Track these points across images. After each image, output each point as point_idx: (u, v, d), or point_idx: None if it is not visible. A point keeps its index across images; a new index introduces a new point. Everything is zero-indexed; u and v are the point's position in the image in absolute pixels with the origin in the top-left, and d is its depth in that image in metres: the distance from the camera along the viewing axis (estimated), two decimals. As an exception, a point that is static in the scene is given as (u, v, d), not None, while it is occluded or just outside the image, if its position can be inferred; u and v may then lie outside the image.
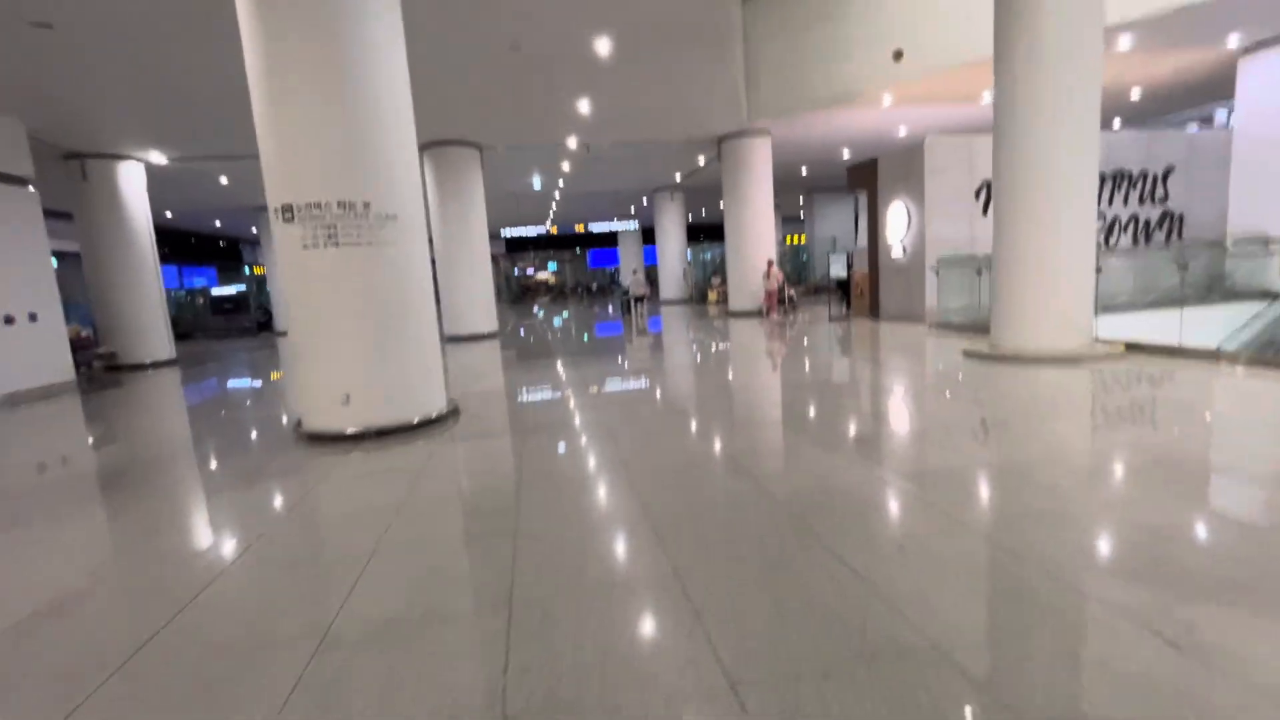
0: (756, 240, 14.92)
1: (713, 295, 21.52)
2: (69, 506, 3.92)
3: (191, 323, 21.42)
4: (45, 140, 10.82)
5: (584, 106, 11.58)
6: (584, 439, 4.66)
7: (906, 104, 12.42)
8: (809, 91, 11.65)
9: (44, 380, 9.73)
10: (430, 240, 7.38)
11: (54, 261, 10.51)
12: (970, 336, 8.68)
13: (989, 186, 10.30)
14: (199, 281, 25.66)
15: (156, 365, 12.74)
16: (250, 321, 21.33)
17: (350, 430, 4.98)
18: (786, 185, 22.33)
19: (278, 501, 3.71)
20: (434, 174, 13.46)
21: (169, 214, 20.69)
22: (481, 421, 5.46)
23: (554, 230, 26.72)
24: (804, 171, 21.37)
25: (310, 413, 5.13)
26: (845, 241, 26.04)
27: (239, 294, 21.29)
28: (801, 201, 28.47)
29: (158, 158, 12.73)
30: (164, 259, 24.65)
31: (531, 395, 6.71)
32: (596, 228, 27.49)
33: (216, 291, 21.46)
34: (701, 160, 17.62)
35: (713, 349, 9.96)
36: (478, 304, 13.98)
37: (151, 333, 12.79)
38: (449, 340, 13.72)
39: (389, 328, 5.07)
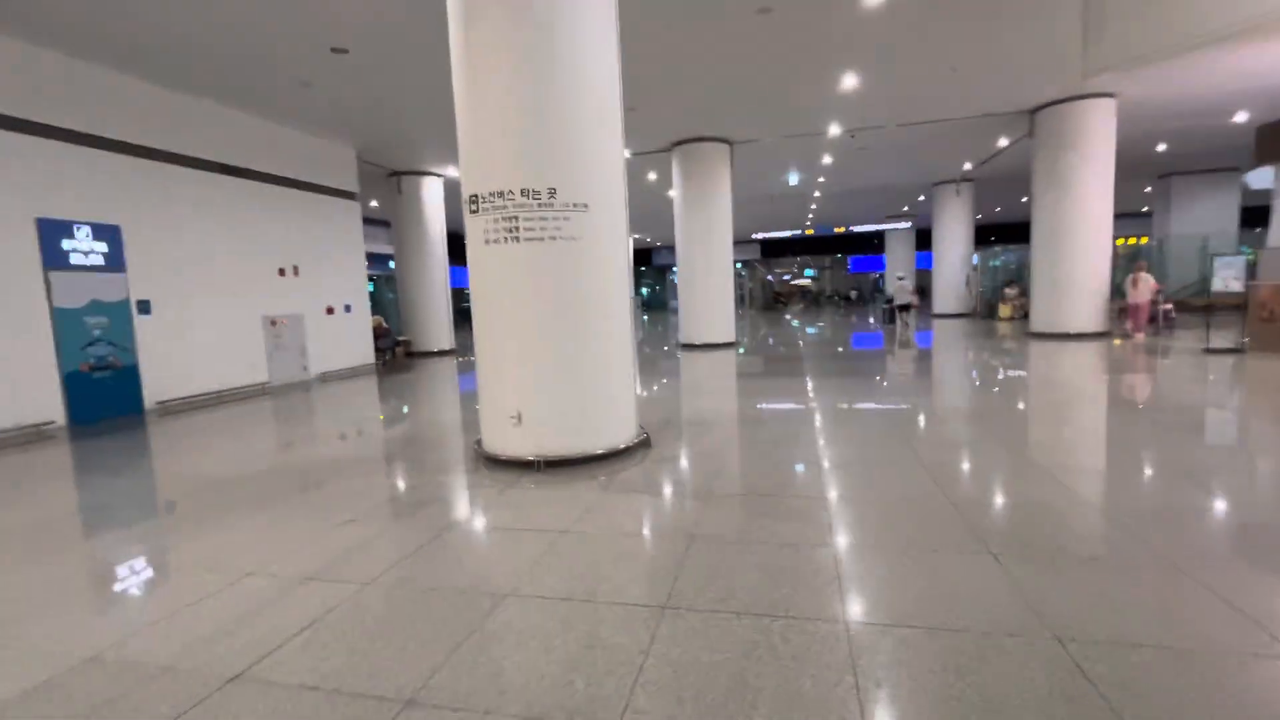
0: (1085, 240, 11.19)
1: (1006, 309, 17.36)
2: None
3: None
4: (370, 160, 12.94)
5: (849, 82, 9.72)
6: (794, 524, 3.15)
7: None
8: (1194, 21, 8.05)
9: (351, 363, 11.54)
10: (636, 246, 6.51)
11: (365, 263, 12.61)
12: None
13: None
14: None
15: (441, 353, 14.50)
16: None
17: (524, 456, 4.26)
18: (1125, 169, 16.46)
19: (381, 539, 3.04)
20: (680, 173, 12.88)
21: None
22: (668, 464, 4.30)
23: (809, 232, 24.61)
24: (1160, 148, 15.91)
25: (488, 431, 4.56)
26: (1221, 243, 18.96)
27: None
28: (1148, 191, 21.69)
29: (453, 172, 14.49)
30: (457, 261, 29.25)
31: (744, 433, 5.36)
32: (859, 229, 24.59)
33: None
34: (1003, 141, 14.09)
35: (1013, 396, 7.34)
36: (715, 310, 13.03)
37: (436, 325, 14.60)
38: (684, 348, 13.05)
39: (570, 338, 4.23)
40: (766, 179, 17.61)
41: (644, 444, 4.68)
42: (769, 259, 39.81)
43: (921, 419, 5.43)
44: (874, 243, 34.42)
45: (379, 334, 12.54)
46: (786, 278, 43.40)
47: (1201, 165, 19.10)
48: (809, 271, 43.22)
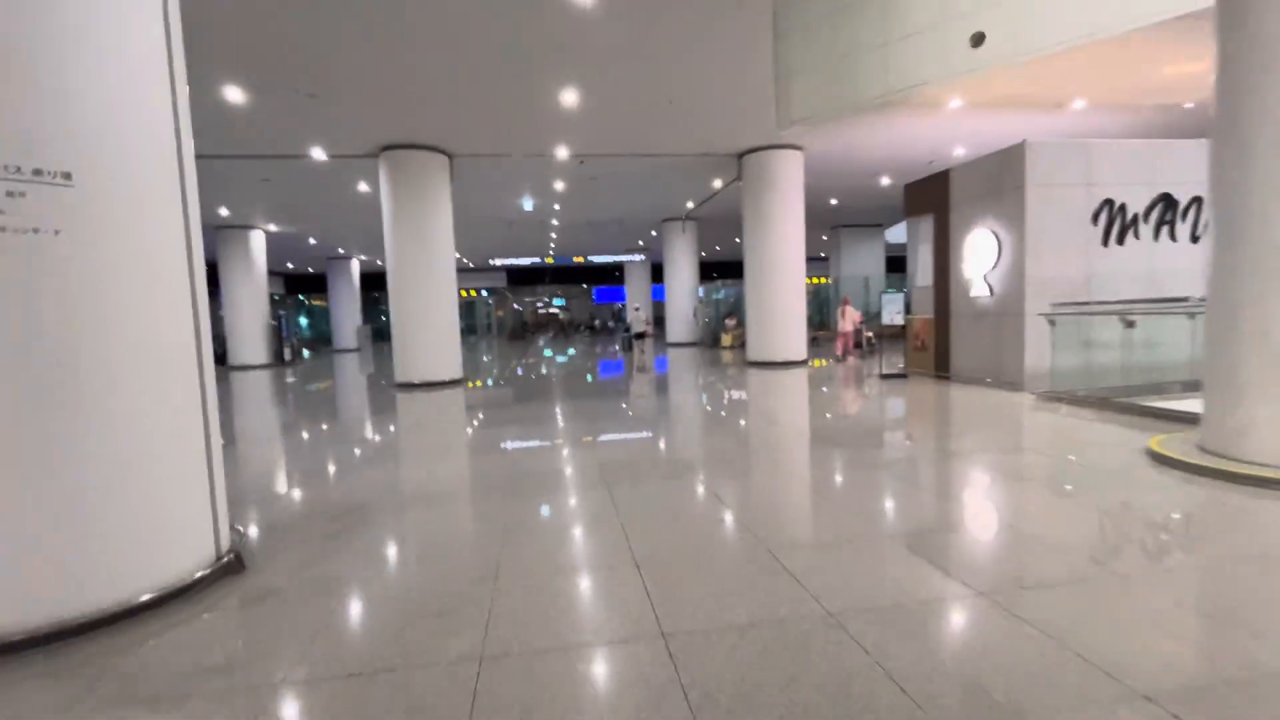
0: (783, 274, 12.24)
1: (727, 339, 18.79)
2: None
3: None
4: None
5: (569, 98, 9.10)
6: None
7: (980, 109, 9.88)
8: (857, 89, 9.13)
9: None
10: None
11: None
12: (1114, 416, 5.82)
13: (1111, 208, 7.60)
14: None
15: None
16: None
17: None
18: (810, 220, 19.67)
19: None
20: (389, 184, 10.99)
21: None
22: (248, 613, 2.66)
23: (549, 260, 24.23)
24: (833, 202, 18.90)
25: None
26: (875, 285, 23.43)
27: (190, 322, 18.84)
28: (824, 239, 26.03)
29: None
30: None
31: (415, 522, 3.92)
32: (599, 259, 24.99)
33: None
34: (718, 183, 15.14)
35: (724, 407, 7.18)
36: (436, 343, 11.31)
37: None
38: (399, 388, 11.04)
39: (47, 409, 2.35)
40: (501, 202, 16.51)
41: (228, 569, 2.93)
42: (515, 287, 38.92)
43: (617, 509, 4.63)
44: (615, 274, 35.87)
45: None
46: (539, 306, 43.03)
47: (860, 220, 23.53)
48: (558, 301, 43.45)
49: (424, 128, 10.15)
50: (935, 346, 9.21)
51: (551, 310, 42.92)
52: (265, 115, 9.16)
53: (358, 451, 5.97)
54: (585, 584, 2.78)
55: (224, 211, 16.35)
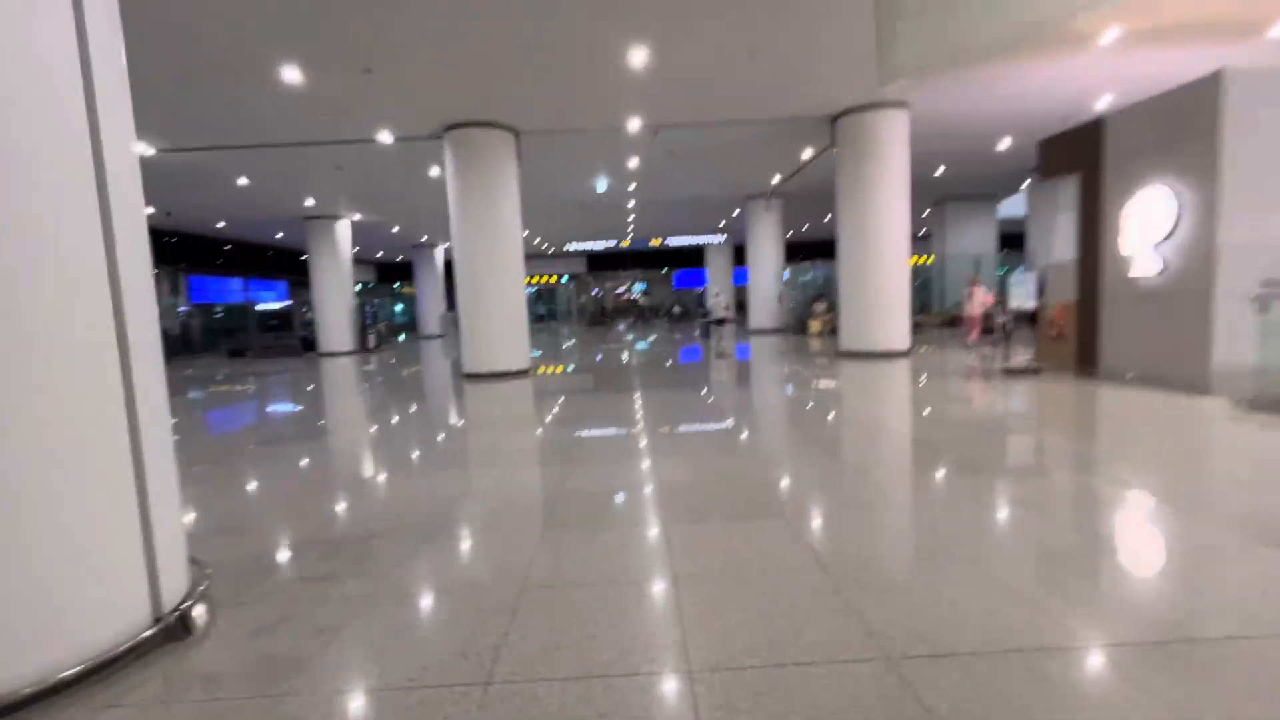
0: (884, 252, 10.76)
1: (815, 325, 17.31)
2: None
3: (244, 339, 20.08)
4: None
5: (638, 57, 8.14)
6: None
7: (1141, 42, 8.00)
8: (980, 29, 7.58)
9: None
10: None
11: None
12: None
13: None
14: (267, 296, 24.71)
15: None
16: (294, 339, 19.63)
17: None
18: (911, 190, 17.45)
19: None
20: (455, 164, 10.50)
21: (221, 224, 19.53)
22: (171, 709, 1.99)
23: (625, 244, 23.46)
24: (939, 171, 16.84)
25: None
26: (987, 265, 20.95)
27: (283, 309, 19.67)
28: (925, 215, 23.62)
29: (143, 148, 10.68)
30: (228, 271, 24.10)
31: (420, 559, 3.20)
32: (678, 241, 23.94)
33: (261, 307, 19.97)
34: (808, 153, 13.69)
35: (814, 411, 6.07)
36: (503, 331, 10.80)
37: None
38: (467, 379, 10.64)
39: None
40: (574, 184, 15.86)
41: (168, 635, 2.28)
42: (596, 272, 38.61)
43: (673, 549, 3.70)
44: (696, 257, 34.72)
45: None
46: (620, 291, 42.62)
47: (970, 192, 21.06)
48: (640, 285, 42.81)
49: (487, 102, 9.52)
50: (1078, 336, 7.59)
51: (632, 296, 42.38)
52: (325, 97, 8.83)
53: (391, 458, 5.39)
54: (617, 693, 1.90)
55: (310, 202, 16.72)
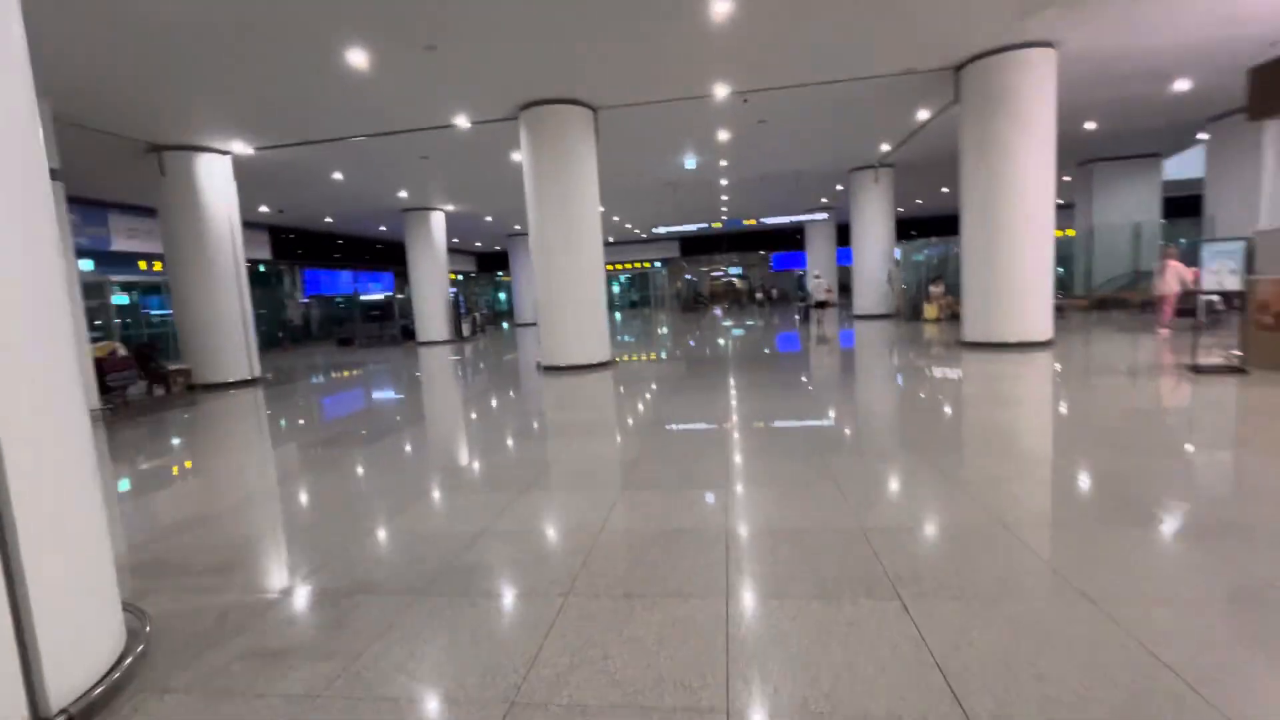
0: (1022, 225, 9.03)
1: (931, 310, 15.41)
2: None
3: (351, 329, 21.15)
4: (100, 127, 9.40)
5: (725, 15, 7.09)
6: None
7: None
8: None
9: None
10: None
11: (85, 265, 9.11)
12: None
13: None
14: (374, 289, 25.98)
15: (240, 384, 11.09)
16: (395, 329, 20.35)
17: None
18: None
19: None
20: (530, 145, 9.97)
21: (329, 219, 20.51)
22: None
23: (717, 225, 22.20)
24: (1088, 126, 14.27)
25: None
26: (1149, 234, 17.77)
27: (385, 300, 20.41)
28: (1067, 180, 20.44)
29: (241, 148, 11.06)
30: (337, 264, 25.52)
31: (420, 619, 2.54)
32: (775, 220, 22.38)
33: (365, 298, 20.86)
34: (924, 113, 11.93)
35: (948, 427, 4.88)
36: (581, 321, 10.20)
37: (232, 347, 11.15)
38: (546, 371, 10.18)
39: None
40: (661, 162, 14.98)
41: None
42: (690, 256, 37.55)
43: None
44: (796, 238, 32.71)
45: (112, 366, 9.03)
46: (717, 275, 41.36)
47: (1125, 150, 17.89)
48: (734, 270, 41.31)
49: (560, 76, 8.85)
50: (1307, 325, 5.75)
51: (730, 279, 40.97)
52: (394, 82, 8.53)
53: (425, 471, 4.86)
54: None
55: (403, 194, 17.04)
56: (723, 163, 15.41)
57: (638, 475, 4.18)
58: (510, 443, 5.44)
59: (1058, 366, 7.69)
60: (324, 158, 12.56)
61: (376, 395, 9.49)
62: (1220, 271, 6.03)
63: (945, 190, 22.69)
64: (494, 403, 7.94)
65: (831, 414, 5.81)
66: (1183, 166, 20.23)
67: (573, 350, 10.14)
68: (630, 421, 6.03)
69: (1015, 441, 4.60)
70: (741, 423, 5.52)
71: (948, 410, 5.72)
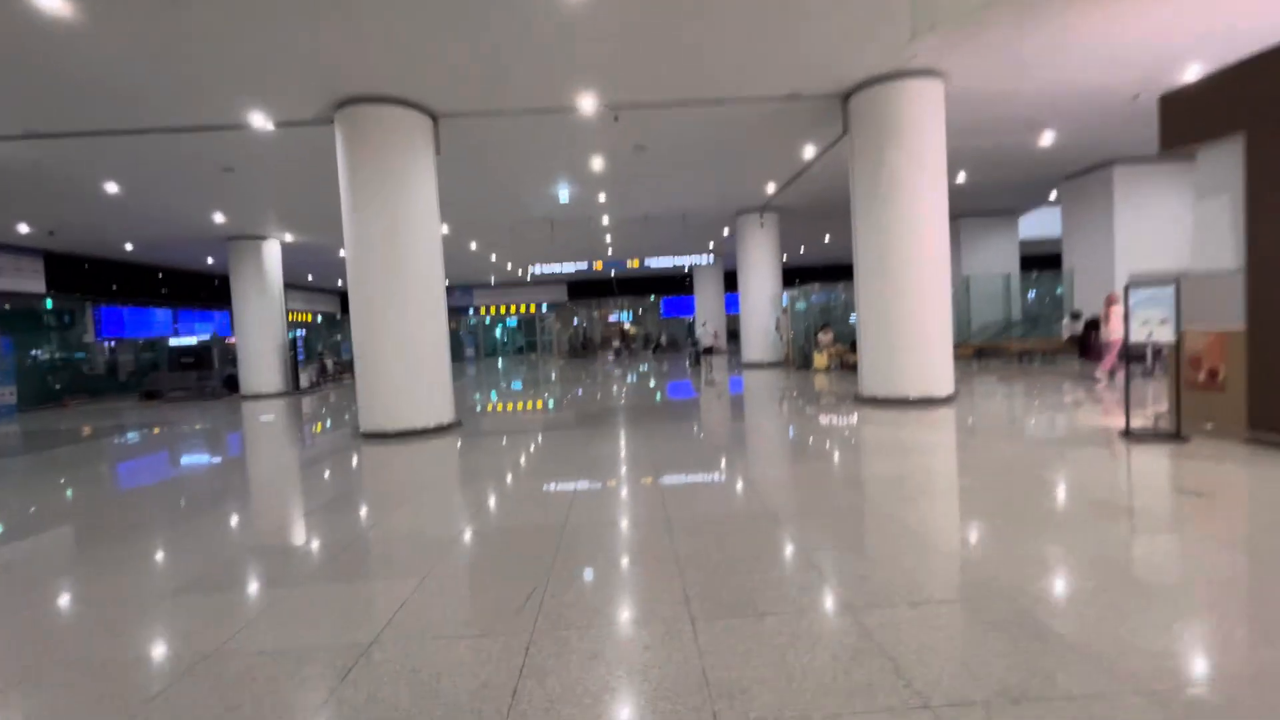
0: (918, 268, 8.16)
1: (821, 359, 14.66)
2: None
3: (158, 380, 17.22)
4: None
5: (581, 5, 5.65)
6: None
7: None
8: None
9: None
10: None
11: None
12: None
13: None
14: (201, 329, 21.94)
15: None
16: (213, 379, 16.81)
17: None
18: None
19: None
20: (348, 152, 7.91)
21: (129, 245, 16.83)
22: None
23: (599, 266, 20.87)
24: (960, 179, 14.41)
25: None
26: (1014, 286, 18.44)
27: (201, 345, 16.88)
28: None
29: (-63, 138, 8.08)
30: (154, 301, 21.17)
31: None
32: (659, 262, 21.40)
33: (175, 342, 17.20)
34: (810, 150, 11.21)
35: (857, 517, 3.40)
36: (416, 377, 8.07)
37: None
38: (367, 438, 7.89)
39: None
40: (530, 191, 13.33)
41: None
42: (577, 300, 36.07)
43: None
44: (685, 284, 32.25)
45: None
46: (613, 319, 40.10)
47: (988, 206, 18.70)
48: (625, 315, 40.33)
49: (384, 67, 6.97)
50: (1252, 383, 4.92)
51: (619, 325, 39.88)
52: (136, 51, 6.24)
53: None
54: None
55: (219, 219, 14.10)
56: (601, 197, 14.04)
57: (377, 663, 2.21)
58: (222, 578, 3.25)
59: (971, 429, 6.64)
60: (77, 160, 9.67)
61: (79, 479, 6.73)
62: (1150, 321, 5.20)
63: (828, 239, 22.93)
64: (254, 495, 5.60)
65: (702, 512, 4.16)
66: (1038, 224, 21.71)
67: (402, 412, 7.96)
68: (437, 532, 4.03)
69: (914, 551, 3.14)
70: (568, 545, 3.71)
71: (864, 491, 4.27)
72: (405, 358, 7.97)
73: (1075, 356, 13.16)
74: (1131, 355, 9.94)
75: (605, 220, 16.84)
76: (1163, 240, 13.85)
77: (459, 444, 7.42)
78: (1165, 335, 5.21)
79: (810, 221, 18.43)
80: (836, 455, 5.79)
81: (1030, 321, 18.14)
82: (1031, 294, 19.13)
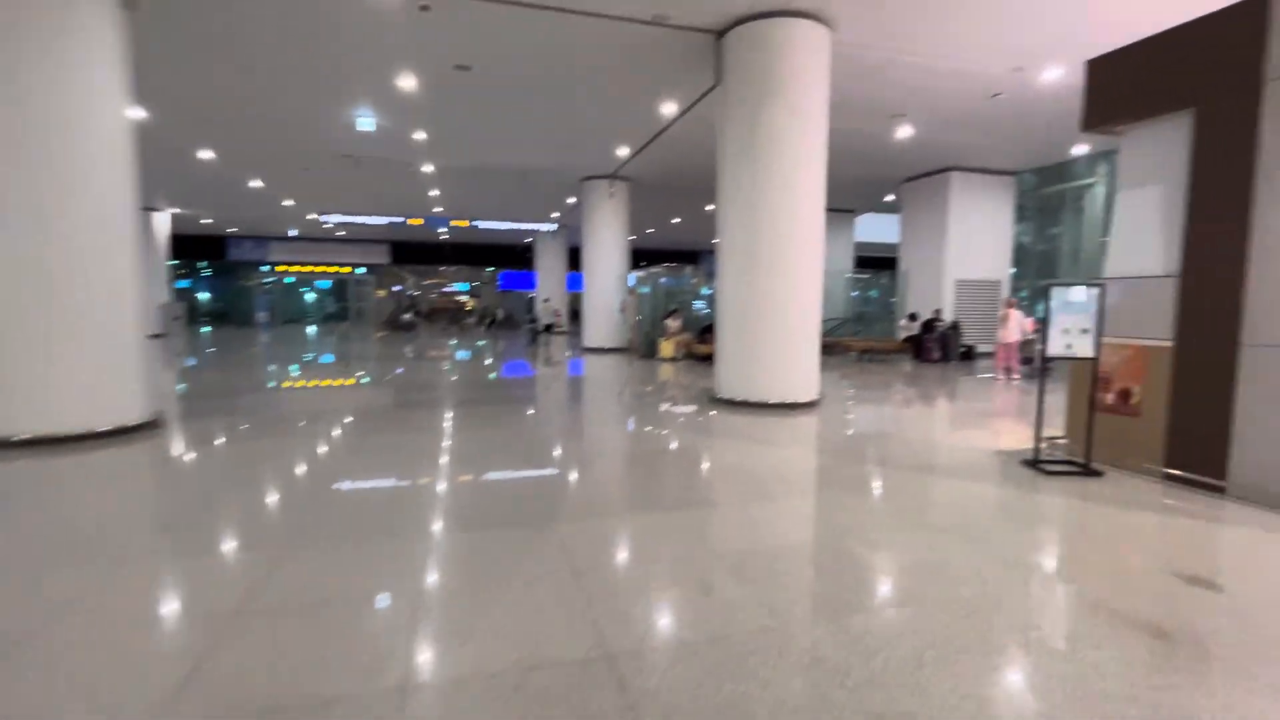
0: (792, 249, 6.91)
1: (668, 347, 13.39)
2: None
3: None
4: None
5: None
6: None
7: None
8: None
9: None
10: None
11: None
12: None
13: None
14: None
15: None
16: None
17: None
18: None
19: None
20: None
21: None
22: None
23: (416, 222, 17.84)
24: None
25: None
26: (841, 286, 18.82)
27: None
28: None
29: None
30: None
31: None
32: (493, 226, 18.89)
33: None
34: (671, 108, 9.64)
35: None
36: (76, 353, 5.13)
37: None
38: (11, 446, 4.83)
39: None
40: (321, 116, 10.23)
41: None
42: (404, 266, 31.90)
43: None
44: (526, 256, 29.76)
45: None
46: (441, 291, 36.08)
47: (829, 204, 18.80)
48: (461, 286, 36.71)
49: None
50: (1173, 412, 4.15)
51: (452, 295, 36.21)
52: None
53: None
54: None
55: None
56: (420, 134, 11.30)
57: None
58: None
59: (848, 450, 5.49)
60: None
61: None
62: (1071, 331, 4.31)
63: (677, 221, 21.96)
64: None
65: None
66: (876, 228, 22.60)
67: (29, 407, 4.99)
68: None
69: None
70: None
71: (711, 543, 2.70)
72: (49, 319, 4.99)
73: (911, 356, 13.27)
74: (1024, 359, 10.54)
75: (430, 169, 14.00)
76: (989, 248, 14.58)
77: (114, 462, 4.72)
78: (1085, 348, 4.31)
79: (663, 198, 17.15)
80: (682, 489, 4.21)
81: (863, 321, 18.69)
82: (874, 294, 19.80)
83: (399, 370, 11.35)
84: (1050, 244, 14.73)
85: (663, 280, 15.27)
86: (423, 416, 6.75)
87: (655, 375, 10.94)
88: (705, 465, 4.78)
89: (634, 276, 15.37)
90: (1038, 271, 15.38)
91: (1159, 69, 4.19)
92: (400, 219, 17.09)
